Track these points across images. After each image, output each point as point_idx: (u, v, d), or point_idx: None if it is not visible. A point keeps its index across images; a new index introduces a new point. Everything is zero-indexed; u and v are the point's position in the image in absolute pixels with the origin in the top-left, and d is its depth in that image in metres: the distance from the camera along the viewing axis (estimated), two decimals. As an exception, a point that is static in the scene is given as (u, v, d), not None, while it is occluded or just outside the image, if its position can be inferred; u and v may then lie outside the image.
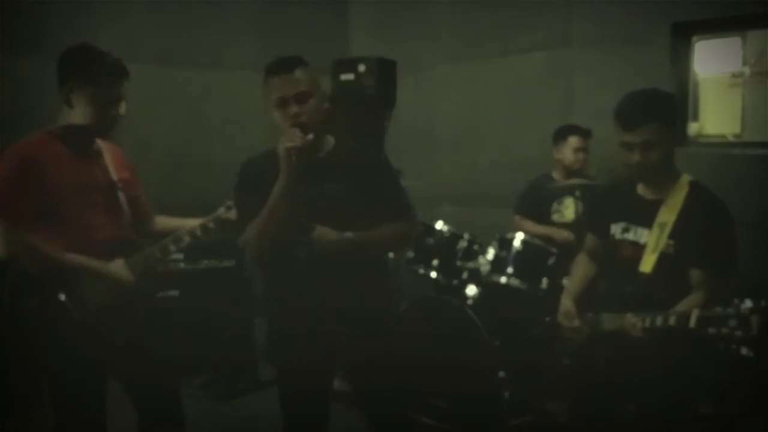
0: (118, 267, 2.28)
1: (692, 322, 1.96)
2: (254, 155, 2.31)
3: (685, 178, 2.28)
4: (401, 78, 5.06)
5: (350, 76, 4.89)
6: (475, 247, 3.69)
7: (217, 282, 3.96)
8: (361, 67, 4.81)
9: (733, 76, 3.90)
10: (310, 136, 2.06)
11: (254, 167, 2.26)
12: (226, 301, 3.97)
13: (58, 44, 4.01)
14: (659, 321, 2.06)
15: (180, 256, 3.36)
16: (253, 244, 2.16)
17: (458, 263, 3.64)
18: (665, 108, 2.24)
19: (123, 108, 2.30)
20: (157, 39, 4.48)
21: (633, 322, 2.12)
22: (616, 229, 2.38)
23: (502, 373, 3.30)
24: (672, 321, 2.02)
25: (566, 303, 2.44)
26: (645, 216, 2.28)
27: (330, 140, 2.26)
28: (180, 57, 4.69)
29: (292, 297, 2.19)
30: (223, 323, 3.93)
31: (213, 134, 4.94)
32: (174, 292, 3.72)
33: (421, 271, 3.62)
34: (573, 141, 3.81)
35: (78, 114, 2.24)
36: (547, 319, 2.69)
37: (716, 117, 3.99)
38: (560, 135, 3.87)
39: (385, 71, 4.98)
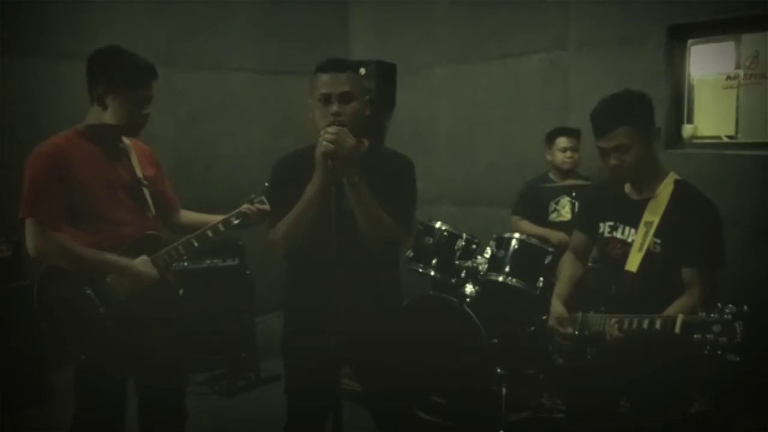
0: (142, 264, 2.32)
1: (677, 328, 1.97)
2: (288, 153, 2.32)
3: (672, 177, 2.27)
4: (401, 80, 5.09)
5: (351, 79, 4.93)
6: (473, 246, 3.73)
7: (220, 281, 3.98)
8: (362, 70, 4.84)
9: (728, 78, 3.90)
10: (353, 140, 2.02)
11: (286, 165, 2.28)
12: (229, 300, 3.99)
13: (59, 46, 4.12)
14: (645, 324, 2.06)
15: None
16: (280, 243, 2.16)
17: (457, 262, 3.67)
18: (637, 110, 2.22)
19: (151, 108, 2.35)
20: (158, 41, 4.47)
21: (612, 322, 2.14)
22: (604, 228, 2.38)
23: (499, 370, 3.32)
24: (658, 325, 2.03)
25: (558, 307, 2.43)
26: (632, 215, 2.29)
27: (364, 143, 2.25)
28: (181, 59, 4.68)
29: (309, 293, 2.21)
30: (225, 321, 3.96)
31: (216, 135, 4.94)
32: (179, 291, 3.73)
33: (421, 269, 3.65)
34: (560, 142, 3.86)
35: (110, 115, 2.28)
36: (544, 317, 2.69)
37: (711, 119, 3.99)
38: (550, 137, 3.93)
39: (385, 73, 5.03)
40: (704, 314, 1.94)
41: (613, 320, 2.15)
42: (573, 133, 3.82)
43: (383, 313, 2.23)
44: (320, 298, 2.06)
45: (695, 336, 1.93)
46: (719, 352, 1.90)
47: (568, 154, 3.85)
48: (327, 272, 1.99)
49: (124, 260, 2.30)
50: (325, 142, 2.00)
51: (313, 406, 2.28)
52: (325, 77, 2.12)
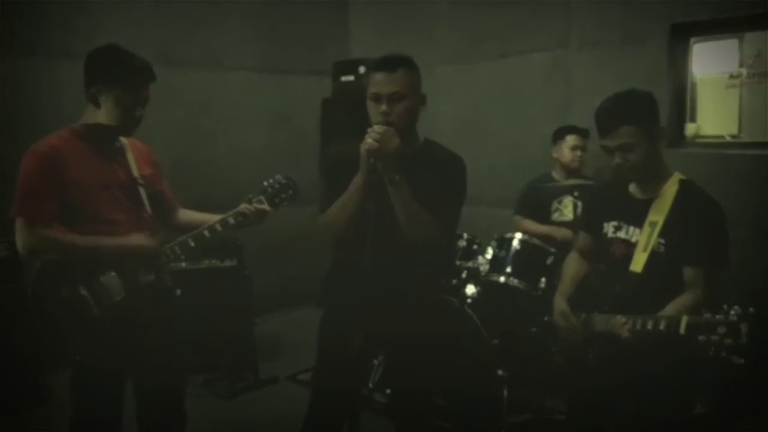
0: (137, 238, 2.31)
1: (682, 329, 1.97)
2: (345, 142, 2.33)
3: (676, 177, 2.27)
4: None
5: (350, 78, 4.91)
6: (474, 246, 3.71)
7: (219, 281, 3.95)
8: (362, 69, 4.82)
9: (731, 77, 3.88)
10: (397, 141, 2.07)
11: (340, 155, 2.33)
12: (228, 301, 3.96)
13: (58, 45, 4.11)
14: (650, 325, 2.06)
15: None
16: (325, 229, 2.24)
17: (457, 263, 3.65)
18: (641, 109, 2.22)
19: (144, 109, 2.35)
20: (157, 40, 4.45)
21: (622, 323, 2.13)
22: (608, 228, 2.38)
23: (501, 372, 3.30)
24: (662, 326, 2.03)
25: (561, 303, 2.43)
26: (636, 215, 2.28)
27: (419, 139, 2.29)
28: (180, 58, 4.67)
29: (342, 286, 2.26)
30: (224, 322, 3.93)
31: (214, 134, 4.93)
32: (176, 291, 3.70)
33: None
34: (570, 140, 3.83)
35: (104, 114, 2.27)
36: (546, 318, 2.72)
37: (714, 118, 3.98)
38: (558, 135, 3.90)
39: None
40: (709, 315, 1.93)
41: (623, 320, 2.14)
42: (583, 132, 3.80)
43: (406, 313, 2.24)
44: (351, 291, 2.15)
45: (700, 337, 1.92)
46: (724, 354, 1.89)
47: (578, 153, 3.82)
48: (360, 267, 2.08)
49: (117, 238, 2.29)
50: (369, 140, 2.05)
51: (335, 399, 2.30)
52: (377, 76, 2.16)
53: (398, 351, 2.29)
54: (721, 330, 1.89)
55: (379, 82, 2.14)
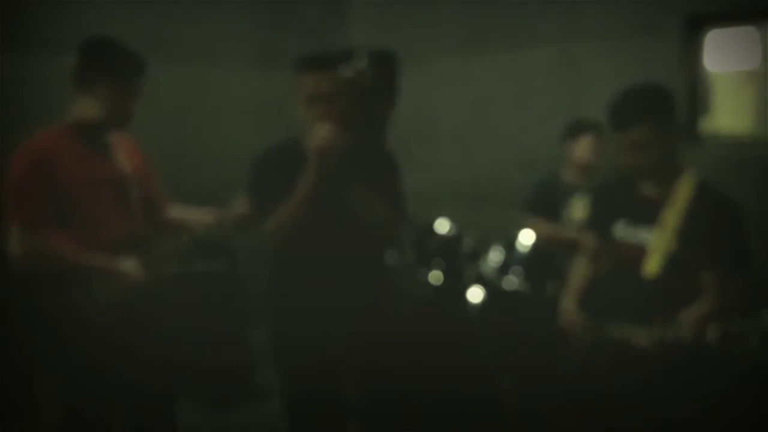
0: (128, 265, 2.30)
1: (713, 337, 1.89)
2: (270, 147, 2.31)
3: (692, 175, 2.20)
4: (402, 71, 5.04)
5: (349, 71, 4.85)
6: (479, 248, 3.64)
7: (211, 286, 3.93)
8: (360, 62, 4.77)
9: (747, 71, 3.87)
10: (343, 139, 2.04)
11: (271, 160, 2.27)
12: (220, 306, 3.94)
13: (42, 37, 4.04)
14: (673, 333, 1.99)
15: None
16: (278, 232, 2.16)
17: (461, 265, 3.58)
18: (658, 105, 2.15)
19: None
20: (146, 32, 4.38)
21: (642, 331, 2.07)
22: (618, 229, 2.32)
23: (506, 379, 3.31)
24: (688, 334, 1.96)
25: (567, 304, 2.41)
26: (649, 215, 2.21)
27: (360, 138, 2.25)
28: (170, 49, 4.63)
29: (302, 291, 2.23)
30: (217, 328, 3.89)
31: (204, 128, 4.92)
32: (167, 296, 3.68)
33: (423, 273, 3.56)
34: (588, 137, 3.70)
35: (94, 107, 2.27)
36: (554, 324, 2.67)
37: (729, 113, 3.97)
38: (574, 131, 3.76)
39: (385, 64, 4.95)
40: (741, 322, 1.86)
41: (640, 329, 2.08)
42: (599, 128, 3.65)
43: (389, 314, 2.31)
44: (315, 296, 2.15)
45: (733, 346, 1.85)
46: (760, 360, 1.84)
47: (596, 151, 3.69)
48: (320, 270, 2.12)
49: (110, 261, 2.29)
50: (316, 140, 2.02)
51: (323, 403, 2.27)
52: (307, 77, 2.10)
53: (376, 352, 2.27)
54: (758, 337, 1.81)
55: (312, 84, 2.09)
